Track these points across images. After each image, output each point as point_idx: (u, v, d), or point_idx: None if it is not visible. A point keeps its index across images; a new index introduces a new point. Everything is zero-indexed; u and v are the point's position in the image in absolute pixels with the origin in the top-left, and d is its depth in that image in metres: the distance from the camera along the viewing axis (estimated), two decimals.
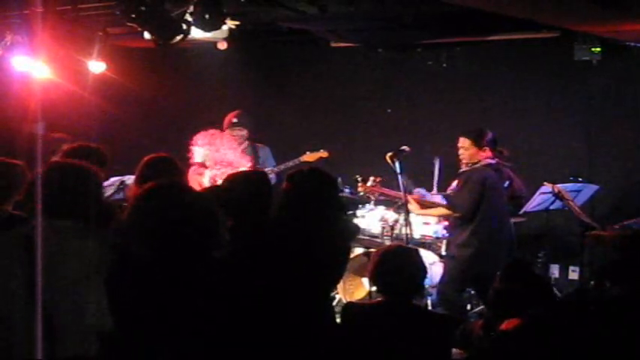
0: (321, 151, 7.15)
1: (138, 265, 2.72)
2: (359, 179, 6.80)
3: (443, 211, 6.15)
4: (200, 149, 6.61)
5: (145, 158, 4.39)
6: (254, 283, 3.15)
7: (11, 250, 3.11)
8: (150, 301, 2.68)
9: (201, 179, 6.71)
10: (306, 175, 3.95)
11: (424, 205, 6.33)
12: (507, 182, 6.25)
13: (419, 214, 6.44)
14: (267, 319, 3.15)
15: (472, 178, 5.88)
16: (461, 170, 6.08)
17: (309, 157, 7.11)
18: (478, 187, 5.82)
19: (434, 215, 6.54)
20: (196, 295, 2.71)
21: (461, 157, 6.01)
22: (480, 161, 5.92)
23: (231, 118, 7.02)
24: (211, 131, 6.81)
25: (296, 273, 3.48)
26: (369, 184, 6.76)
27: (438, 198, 6.52)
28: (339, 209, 3.99)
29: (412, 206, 6.21)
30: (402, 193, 6.17)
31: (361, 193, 6.91)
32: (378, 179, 6.74)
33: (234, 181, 4.17)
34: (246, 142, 7.08)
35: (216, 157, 6.62)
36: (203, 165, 6.72)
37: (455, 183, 6.16)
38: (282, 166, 6.90)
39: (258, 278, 3.22)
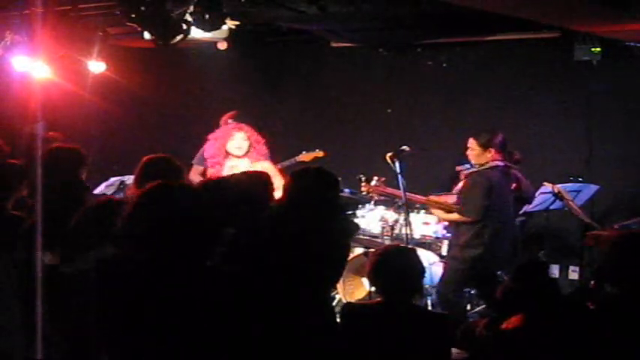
0: (317, 150, 7.14)
1: (132, 268, 2.69)
2: (362, 179, 6.76)
3: (456, 216, 6.03)
4: (245, 142, 6.39)
5: (145, 158, 4.39)
6: (252, 281, 3.14)
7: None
8: (142, 305, 2.65)
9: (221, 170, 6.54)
10: (307, 173, 3.97)
11: (442, 207, 6.24)
12: (514, 185, 6.22)
13: (442, 219, 6.42)
14: (266, 319, 3.15)
15: (479, 182, 5.86)
16: (468, 172, 6.08)
17: (305, 156, 7.11)
18: (485, 190, 5.80)
19: (453, 220, 6.35)
20: (192, 299, 2.69)
21: (469, 157, 6.03)
22: (487, 163, 5.91)
23: (228, 119, 7.00)
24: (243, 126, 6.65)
25: (294, 270, 3.48)
26: (373, 183, 6.72)
27: (452, 199, 6.42)
28: (338, 208, 3.99)
29: (436, 212, 6.21)
30: (406, 193, 6.16)
31: (364, 193, 6.87)
32: (382, 179, 6.71)
33: (237, 180, 4.20)
34: None
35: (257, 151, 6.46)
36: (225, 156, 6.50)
37: (461, 184, 6.16)
38: (278, 166, 6.87)
39: (256, 277, 3.22)
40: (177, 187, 2.91)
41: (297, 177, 3.94)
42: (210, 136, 6.58)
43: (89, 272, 2.85)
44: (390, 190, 6.58)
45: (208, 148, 6.49)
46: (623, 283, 3.41)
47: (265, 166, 6.14)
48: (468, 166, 6.45)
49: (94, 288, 2.74)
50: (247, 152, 6.37)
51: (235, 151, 6.34)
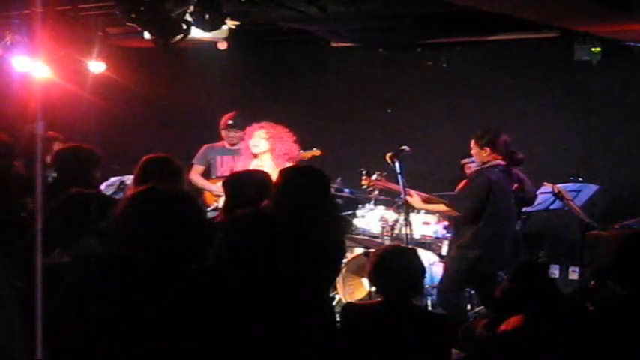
0: (314, 149, 7.15)
1: (128, 269, 2.69)
2: (363, 172, 6.78)
3: (443, 208, 6.15)
4: (265, 141, 6.38)
5: (144, 158, 4.39)
6: (251, 281, 3.14)
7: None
8: (141, 307, 2.64)
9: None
10: (295, 171, 3.99)
11: (429, 201, 6.32)
12: (516, 185, 6.23)
13: (420, 208, 6.45)
14: (266, 319, 3.14)
15: (477, 180, 5.89)
16: (472, 170, 6.11)
17: (302, 155, 7.11)
18: (482, 189, 5.81)
19: (434, 211, 6.55)
20: (191, 300, 2.69)
21: (473, 156, 6.07)
22: (488, 162, 5.92)
23: (227, 119, 7.01)
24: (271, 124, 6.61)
25: (292, 270, 3.48)
26: (373, 177, 6.76)
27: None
28: (330, 205, 3.99)
29: (414, 200, 6.22)
30: (405, 188, 6.18)
31: (364, 186, 6.88)
32: (383, 174, 6.74)
33: (239, 179, 4.22)
34: (242, 143, 7.04)
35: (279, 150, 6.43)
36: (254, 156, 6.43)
37: (463, 183, 6.18)
38: None
39: (255, 277, 3.21)
40: (167, 191, 2.91)
41: (285, 175, 3.95)
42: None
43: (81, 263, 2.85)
44: (391, 184, 6.59)
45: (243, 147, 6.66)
46: (625, 282, 3.42)
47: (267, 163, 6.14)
48: (473, 159, 6.47)
49: (91, 283, 2.74)
50: (267, 151, 6.33)
51: (252, 149, 6.36)
